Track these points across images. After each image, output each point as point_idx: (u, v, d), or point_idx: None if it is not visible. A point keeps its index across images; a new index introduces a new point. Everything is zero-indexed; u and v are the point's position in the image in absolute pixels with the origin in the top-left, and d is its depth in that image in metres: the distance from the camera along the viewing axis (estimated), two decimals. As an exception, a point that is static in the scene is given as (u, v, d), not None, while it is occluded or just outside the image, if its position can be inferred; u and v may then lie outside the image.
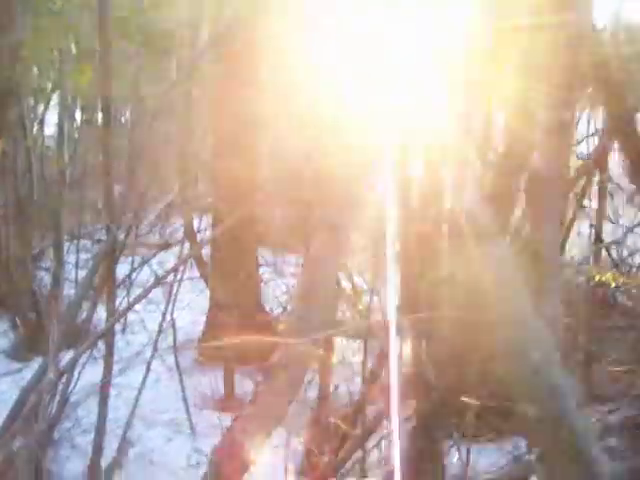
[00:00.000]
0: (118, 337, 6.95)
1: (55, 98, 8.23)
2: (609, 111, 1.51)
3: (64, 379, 4.24)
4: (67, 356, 4.33)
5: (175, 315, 5.75)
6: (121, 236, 4.57)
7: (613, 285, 3.15)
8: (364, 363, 5.01)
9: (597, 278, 3.03)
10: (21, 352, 6.43)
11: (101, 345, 4.43)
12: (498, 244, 0.94)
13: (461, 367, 2.11)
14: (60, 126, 7.21)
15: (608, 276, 2.98)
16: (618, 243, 5.40)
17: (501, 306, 0.97)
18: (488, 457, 4.62)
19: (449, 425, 2.22)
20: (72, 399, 4.73)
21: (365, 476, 4.33)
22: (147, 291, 3.44)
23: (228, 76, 5.62)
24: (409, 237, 3.50)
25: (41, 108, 8.74)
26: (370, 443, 3.62)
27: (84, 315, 5.68)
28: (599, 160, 3.69)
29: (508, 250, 0.95)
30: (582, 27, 1.92)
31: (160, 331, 4.23)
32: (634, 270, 5.93)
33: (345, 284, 6.42)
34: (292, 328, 1.83)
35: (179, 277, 5.22)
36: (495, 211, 1.50)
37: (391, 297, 4.05)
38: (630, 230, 4.93)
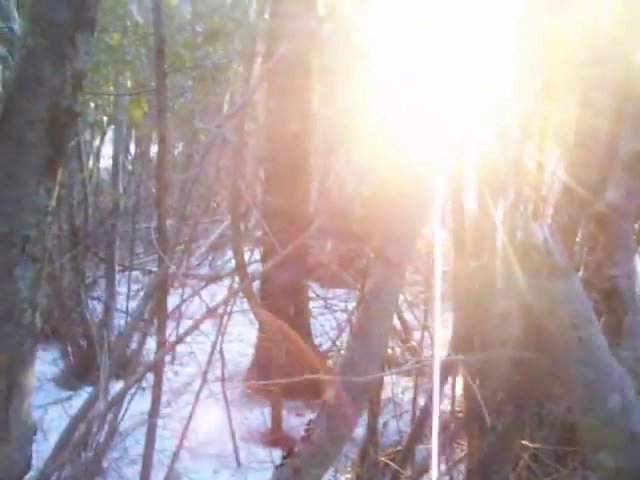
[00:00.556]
0: (166, 368, 7.00)
1: (110, 131, 8.41)
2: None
3: (113, 409, 4.27)
4: (116, 386, 4.35)
5: (224, 347, 5.76)
6: (173, 267, 4.61)
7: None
8: (414, 401, 4.92)
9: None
10: (71, 381, 6.48)
11: (149, 375, 4.44)
12: (571, 280, 0.89)
13: (519, 409, 2.04)
14: (115, 159, 7.36)
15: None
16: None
17: (575, 347, 0.91)
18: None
19: (506, 469, 2.14)
20: (120, 429, 4.76)
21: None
22: (197, 323, 3.43)
23: (279, 109, 5.67)
24: (463, 273, 3.45)
25: (97, 141, 8.94)
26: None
27: (134, 346, 5.73)
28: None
29: (581, 286, 0.90)
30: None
31: (209, 363, 4.21)
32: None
33: (395, 320, 6.35)
34: (347, 365, 1.78)
35: (229, 309, 5.22)
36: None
37: (436, 333, 3.97)
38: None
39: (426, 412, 3.39)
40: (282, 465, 1.84)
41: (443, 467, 3.44)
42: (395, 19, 2.44)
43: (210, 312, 3.52)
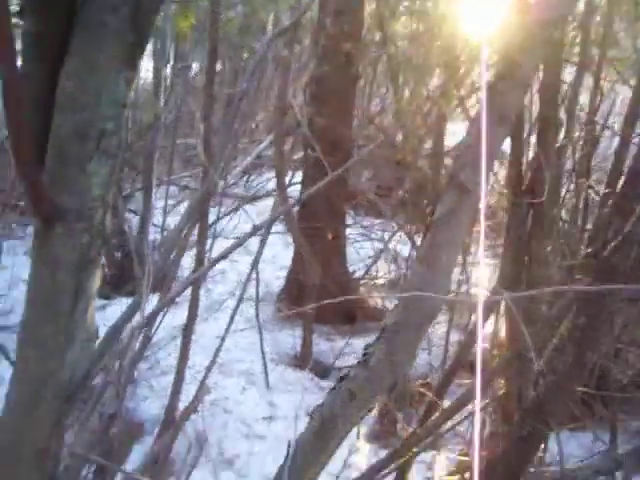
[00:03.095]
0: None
1: (150, 44, 8.23)
2: None
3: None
4: (152, 299, 4.35)
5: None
6: (219, 182, 4.51)
7: None
8: (447, 335, 4.90)
9: None
10: (105, 290, 6.53)
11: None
12: None
13: (582, 350, 1.97)
14: (156, 72, 7.22)
15: None
16: None
17: None
18: (567, 446, 4.47)
19: (563, 411, 2.09)
20: (153, 342, 4.80)
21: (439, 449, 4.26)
22: (242, 241, 3.38)
23: (332, 30, 5.49)
24: (516, 210, 3.35)
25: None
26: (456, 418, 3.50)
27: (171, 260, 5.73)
28: None
29: None
30: None
31: (247, 282, 4.18)
32: None
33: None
34: (411, 290, 1.72)
35: (266, 230, 5.17)
36: None
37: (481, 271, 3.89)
38: None
39: (465, 348, 3.35)
40: (337, 388, 1.81)
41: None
42: None
43: (256, 230, 3.46)
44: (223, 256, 3.72)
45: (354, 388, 1.73)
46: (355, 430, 4.85)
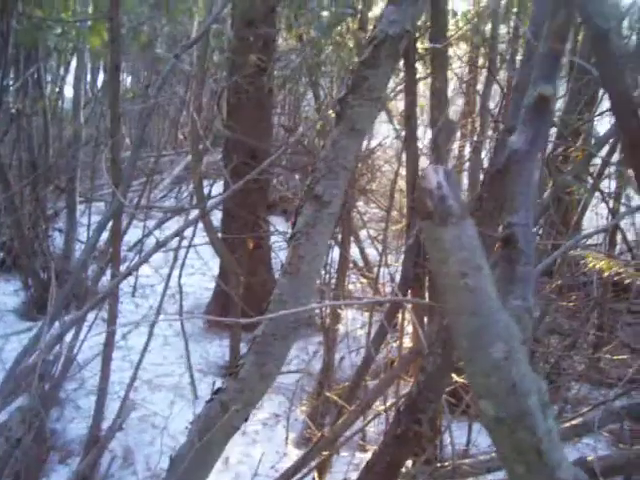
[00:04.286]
0: (127, 300, 7.00)
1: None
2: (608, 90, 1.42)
3: (70, 340, 4.26)
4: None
5: (184, 281, 5.74)
6: (132, 199, 4.56)
7: (607, 274, 3.07)
8: (368, 336, 4.99)
9: (591, 265, 2.95)
10: (31, 312, 6.46)
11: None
12: (464, 227, 0.88)
13: (448, 350, 2.06)
14: (76, 88, 7.17)
15: (603, 264, 2.89)
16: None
17: (462, 296, 0.91)
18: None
19: (434, 405, 2.17)
20: (80, 361, 4.77)
21: (363, 450, 4.34)
22: (148, 255, 3.42)
23: (241, 40, 5.54)
24: (413, 215, 3.45)
25: (61, 70, 8.68)
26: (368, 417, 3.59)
27: (92, 278, 5.71)
28: (617, 140, 3.60)
29: (474, 234, 0.89)
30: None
31: (164, 295, 4.21)
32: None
33: (357, 255, 6.40)
34: (276, 302, 1.78)
35: (187, 243, 5.20)
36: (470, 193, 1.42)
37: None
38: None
39: (376, 348, 3.44)
40: (211, 400, 1.86)
41: (389, 402, 3.50)
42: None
43: (162, 244, 3.49)
44: (131, 271, 3.76)
45: (226, 400, 1.79)
46: (284, 435, 4.92)
